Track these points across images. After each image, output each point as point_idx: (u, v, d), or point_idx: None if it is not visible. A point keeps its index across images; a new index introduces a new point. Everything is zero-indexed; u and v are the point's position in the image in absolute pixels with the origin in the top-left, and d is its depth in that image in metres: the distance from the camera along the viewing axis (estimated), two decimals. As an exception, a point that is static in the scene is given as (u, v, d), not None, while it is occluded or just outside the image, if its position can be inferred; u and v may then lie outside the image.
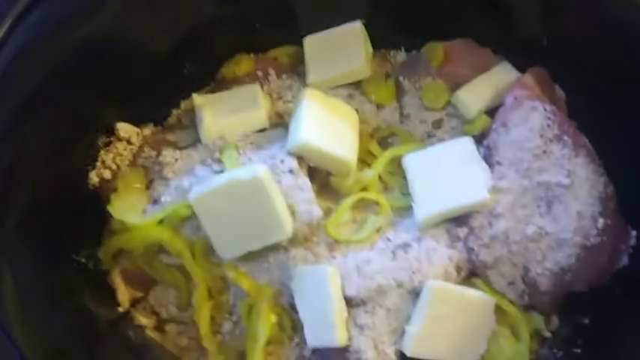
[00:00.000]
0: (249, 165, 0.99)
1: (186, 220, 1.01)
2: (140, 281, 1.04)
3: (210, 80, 1.17)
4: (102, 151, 1.08)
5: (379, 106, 1.13)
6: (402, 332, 0.98)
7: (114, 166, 1.07)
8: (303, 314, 0.98)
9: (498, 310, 1.00)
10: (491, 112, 1.07)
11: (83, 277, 1.02)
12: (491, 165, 1.02)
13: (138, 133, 1.10)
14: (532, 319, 1.03)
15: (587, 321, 1.01)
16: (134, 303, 1.06)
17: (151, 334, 1.05)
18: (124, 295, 1.04)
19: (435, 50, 1.12)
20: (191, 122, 1.13)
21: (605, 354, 0.95)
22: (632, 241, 0.99)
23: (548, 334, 1.04)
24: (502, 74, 1.09)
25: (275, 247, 1.01)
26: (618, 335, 0.95)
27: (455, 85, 1.10)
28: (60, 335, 0.91)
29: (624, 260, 0.99)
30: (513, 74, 1.09)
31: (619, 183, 1.01)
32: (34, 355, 0.81)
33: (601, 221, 0.98)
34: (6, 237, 0.90)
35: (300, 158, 1.02)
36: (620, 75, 0.98)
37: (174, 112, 1.16)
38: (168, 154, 1.05)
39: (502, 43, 1.11)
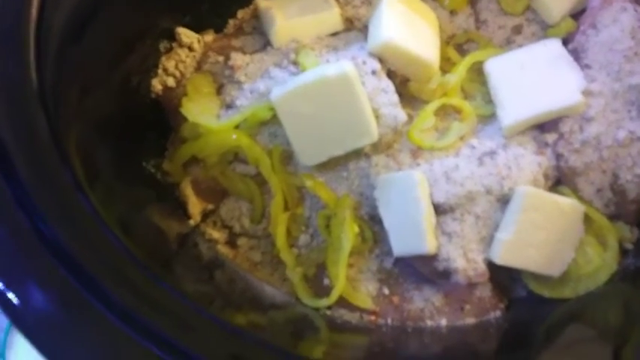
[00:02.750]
0: (334, 63, 0.92)
1: (263, 126, 0.95)
2: (212, 193, 0.99)
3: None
4: (163, 58, 1.01)
5: (453, 12, 1.07)
6: (491, 240, 0.94)
7: (177, 73, 1.01)
8: (389, 223, 0.94)
9: (585, 219, 0.97)
10: (574, 17, 1.03)
11: (151, 189, 0.97)
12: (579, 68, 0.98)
13: (199, 40, 1.03)
14: (618, 228, 0.99)
15: (672, 231, 0.99)
16: (205, 216, 1.00)
17: (223, 249, 1.00)
18: (194, 207, 0.98)
19: (513, -47, 1.06)
20: (253, 29, 1.07)
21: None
22: None
23: (630, 246, 1.01)
24: (585, -23, 1.04)
25: (357, 154, 0.96)
26: None
27: (534, -11, 1.05)
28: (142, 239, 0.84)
29: None
30: (597, -24, 1.04)
31: None
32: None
33: (693, 125, 0.95)
34: (77, 142, 0.83)
35: (380, 60, 0.96)
36: None
37: (232, 21, 1.09)
38: (237, 58, 0.99)
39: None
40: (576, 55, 0.99)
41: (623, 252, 1.01)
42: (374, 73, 0.94)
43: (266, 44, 1.02)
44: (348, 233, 0.93)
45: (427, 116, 0.98)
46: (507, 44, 1.05)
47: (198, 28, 1.05)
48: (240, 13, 1.09)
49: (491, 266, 0.95)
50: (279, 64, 0.98)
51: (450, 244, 0.93)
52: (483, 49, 1.04)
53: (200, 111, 0.94)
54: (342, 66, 0.89)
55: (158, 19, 1.01)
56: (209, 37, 1.05)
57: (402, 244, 0.93)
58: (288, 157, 0.96)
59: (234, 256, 1.00)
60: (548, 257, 0.95)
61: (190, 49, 1.02)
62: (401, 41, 0.94)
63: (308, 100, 0.89)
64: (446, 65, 1.04)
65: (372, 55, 0.95)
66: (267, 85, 0.95)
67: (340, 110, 0.90)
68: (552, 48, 0.98)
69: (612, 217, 1.00)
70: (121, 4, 0.92)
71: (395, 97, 0.95)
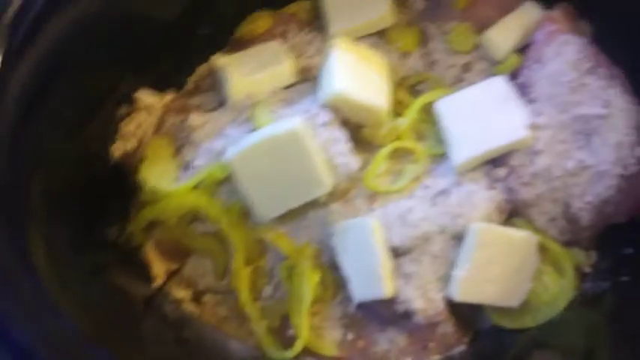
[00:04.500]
0: (285, 120, 0.96)
1: (221, 184, 0.98)
2: (175, 253, 1.01)
3: (227, 42, 1.13)
4: (122, 123, 1.03)
5: (404, 54, 1.10)
6: (449, 278, 0.96)
7: (136, 137, 1.03)
8: (348, 269, 0.97)
9: (540, 248, 0.99)
10: (520, 51, 1.06)
11: (114, 255, 0.98)
12: (526, 103, 1.01)
13: (159, 101, 1.06)
14: (574, 255, 1.02)
15: (631, 251, 1.01)
16: (169, 277, 1.03)
17: (188, 307, 1.02)
18: (158, 269, 1.00)
19: (459, -7, 1.10)
20: (211, 86, 1.10)
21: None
22: (670, 168, 0.99)
23: (588, 269, 1.03)
24: (528, 13, 1.07)
25: (313, 204, 0.98)
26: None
27: (481, 28, 1.08)
28: (103, 308, 0.87)
29: (663, 188, 0.99)
30: (539, 12, 1.07)
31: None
32: (86, 325, 0.77)
33: (638, 150, 0.97)
34: (34, 213, 0.86)
35: (333, 110, 0.99)
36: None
37: (192, 77, 1.12)
38: (195, 118, 1.02)
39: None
40: (523, 89, 1.03)
41: (582, 276, 1.04)
42: (326, 124, 0.97)
43: (223, 101, 1.05)
44: (309, 283, 0.96)
45: (380, 161, 1.01)
46: (458, 82, 1.08)
47: (158, 89, 1.08)
48: (199, 70, 1.12)
49: (452, 302, 0.97)
50: (234, 121, 1.01)
51: (408, 286, 0.96)
52: (434, 89, 1.07)
53: (158, 175, 0.97)
54: (291, 123, 0.92)
55: (118, 83, 1.03)
56: (169, 97, 1.07)
57: (362, 289, 0.96)
58: (247, 212, 0.98)
59: (200, 313, 1.02)
60: (506, 290, 0.98)
61: (150, 111, 1.05)
62: (351, 92, 0.97)
63: (261, 157, 0.92)
64: (399, 108, 1.06)
65: (325, 106, 0.98)
66: (222, 143, 0.98)
67: (293, 165, 0.93)
68: (498, 85, 1.01)
69: (568, 244, 1.02)
70: (79, 70, 0.93)
71: (347, 146, 0.98)
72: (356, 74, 0.98)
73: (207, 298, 1.04)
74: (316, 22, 1.12)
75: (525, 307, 0.99)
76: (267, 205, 0.95)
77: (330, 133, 0.97)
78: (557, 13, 1.04)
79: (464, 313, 1.01)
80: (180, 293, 1.03)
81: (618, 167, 0.97)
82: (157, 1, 1.02)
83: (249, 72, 1.03)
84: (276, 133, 0.91)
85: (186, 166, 0.99)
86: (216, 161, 0.96)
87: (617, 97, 0.98)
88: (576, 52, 1.00)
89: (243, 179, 0.94)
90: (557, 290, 1.00)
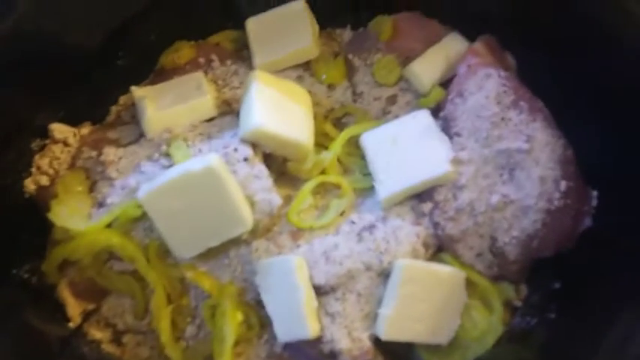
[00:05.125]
0: (200, 156, 0.93)
1: (137, 222, 0.94)
2: (91, 293, 0.97)
3: (149, 72, 1.10)
4: (37, 156, 1.00)
5: (330, 87, 1.10)
6: (375, 316, 0.94)
7: (51, 171, 0.99)
8: (271, 309, 0.94)
9: (468, 283, 0.98)
10: (445, 84, 1.05)
11: (27, 293, 0.94)
12: (450, 136, 1.00)
13: (75, 134, 1.02)
14: (502, 289, 1.01)
15: (558, 286, 1.01)
16: (86, 317, 0.98)
17: (108, 348, 0.98)
18: (73, 309, 0.96)
19: (383, 24, 1.09)
20: (132, 118, 1.06)
21: (579, 316, 0.94)
22: (594, 202, 0.99)
23: (519, 304, 1.03)
24: (452, 45, 1.07)
25: (235, 242, 0.95)
26: (590, 297, 0.95)
27: (406, 60, 1.07)
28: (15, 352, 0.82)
29: (588, 222, 0.99)
30: (464, 44, 1.07)
31: (576, 145, 1.00)
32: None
33: (563, 184, 0.97)
34: None
35: (254, 145, 0.97)
36: (571, 35, 0.97)
37: (113, 108, 1.09)
38: (110, 152, 0.98)
39: (450, 14, 1.09)
40: (447, 123, 1.02)
41: (513, 310, 1.03)
42: (246, 160, 0.95)
43: (141, 134, 1.01)
44: (231, 323, 0.92)
45: (304, 197, 0.99)
46: (383, 115, 1.07)
47: (74, 120, 1.04)
48: (122, 99, 1.09)
49: (378, 342, 0.95)
50: (150, 157, 0.97)
51: (333, 325, 0.93)
52: (359, 122, 1.06)
53: (69, 213, 0.92)
54: (207, 160, 0.89)
55: (30, 116, 1.00)
56: (85, 129, 1.04)
57: (285, 329, 0.93)
58: (166, 250, 0.94)
59: (121, 354, 0.98)
60: (434, 327, 0.96)
61: (65, 144, 1.01)
62: (270, 126, 0.94)
63: (176, 195, 0.89)
64: (324, 140, 1.05)
65: (245, 141, 0.96)
66: (137, 180, 0.94)
67: (210, 202, 0.90)
68: (422, 120, 1.01)
69: (497, 278, 1.01)
70: None
71: (268, 182, 0.95)
72: (276, 108, 0.96)
73: (128, 338, 1.00)
74: (242, 52, 1.10)
75: (455, 344, 0.98)
76: (184, 244, 0.92)
77: (250, 168, 0.94)
78: (479, 45, 1.04)
79: (394, 350, 0.99)
80: (99, 334, 1.00)
81: (543, 201, 0.97)
82: (74, 27, 0.98)
83: (168, 104, 1.00)
84: (192, 169, 0.88)
85: (100, 203, 0.96)
86: (130, 199, 0.93)
87: (539, 132, 0.98)
88: (497, 85, 1.00)
89: (157, 218, 0.90)
90: (486, 326, 0.98)
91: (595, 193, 0.99)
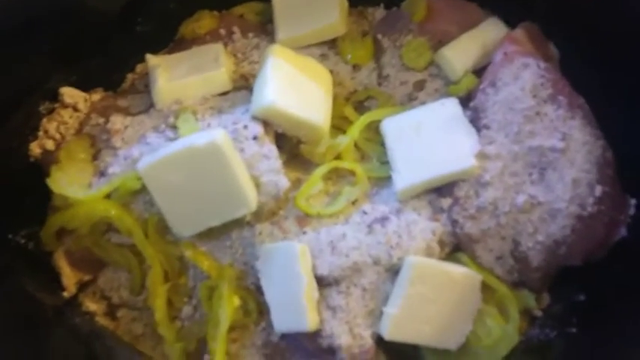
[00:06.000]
0: (207, 131, 0.88)
1: (137, 194, 0.91)
2: (88, 263, 0.94)
3: (169, 41, 1.06)
4: (44, 120, 0.97)
5: (355, 67, 1.04)
6: (380, 314, 0.89)
7: (57, 136, 0.96)
8: (270, 296, 0.89)
9: (485, 288, 0.92)
10: (479, 72, 0.98)
11: (23, 259, 0.92)
12: (478, 129, 0.93)
13: (86, 99, 0.99)
14: (522, 297, 0.94)
15: (582, 298, 0.93)
16: (82, 287, 0.96)
17: (102, 320, 0.96)
18: (69, 278, 0.93)
19: (417, 4, 1.02)
20: (145, 87, 1.02)
21: (603, 333, 0.86)
22: (632, 211, 0.91)
23: (539, 313, 0.95)
24: (490, 30, 0.99)
25: (238, 223, 0.91)
26: (617, 314, 0.87)
27: (438, 44, 1.00)
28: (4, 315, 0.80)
29: (622, 232, 0.91)
30: (503, 30, 0.99)
31: (617, 148, 0.92)
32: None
33: (599, 189, 0.89)
34: None
35: (266, 123, 0.91)
36: (619, 31, 0.88)
37: (129, 76, 1.06)
38: (117, 121, 0.95)
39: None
40: (476, 114, 0.95)
41: (531, 319, 0.96)
42: (255, 138, 0.90)
43: (152, 104, 0.97)
44: (226, 308, 0.88)
45: (314, 182, 0.93)
46: (409, 101, 1.00)
47: (87, 85, 1.01)
48: (139, 67, 1.06)
49: (381, 341, 0.89)
50: (157, 128, 0.93)
51: (334, 319, 0.88)
52: (383, 107, 0.99)
53: (68, 181, 0.89)
54: (211, 135, 0.84)
55: (46, 77, 0.97)
56: (97, 95, 1.00)
57: (283, 319, 0.88)
58: (166, 226, 0.91)
59: (114, 328, 0.96)
60: (442, 330, 0.90)
61: (75, 109, 0.98)
62: (284, 104, 0.89)
63: (177, 169, 0.85)
64: (342, 124, 0.99)
65: (256, 118, 0.91)
66: (141, 151, 0.91)
67: (213, 180, 0.85)
68: (449, 108, 0.94)
69: (516, 285, 0.95)
70: (5, 60, 0.88)
71: (277, 163, 0.90)
72: (292, 85, 0.91)
73: (122, 313, 0.98)
74: (266, 25, 1.05)
75: (464, 350, 0.92)
76: (184, 221, 0.88)
77: (259, 147, 0.89)
78: (519, 32, 0.96)
79: (400, 350, 0.93)
80: (93, 305, 0.97)
81: (574, 206, 0.89)
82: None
83: (182, 75, 0.95)
84: (195, 144, 0.84)
85: (101, 173, 0.92)
86: (131, 170, 0.89)
87: (577, 130, 0.90)
88: (535, 76, 0.92)
89: (156, 192, 0.86)
90: (500, 335, 0.92)
91: (633, 201, 0.91)
